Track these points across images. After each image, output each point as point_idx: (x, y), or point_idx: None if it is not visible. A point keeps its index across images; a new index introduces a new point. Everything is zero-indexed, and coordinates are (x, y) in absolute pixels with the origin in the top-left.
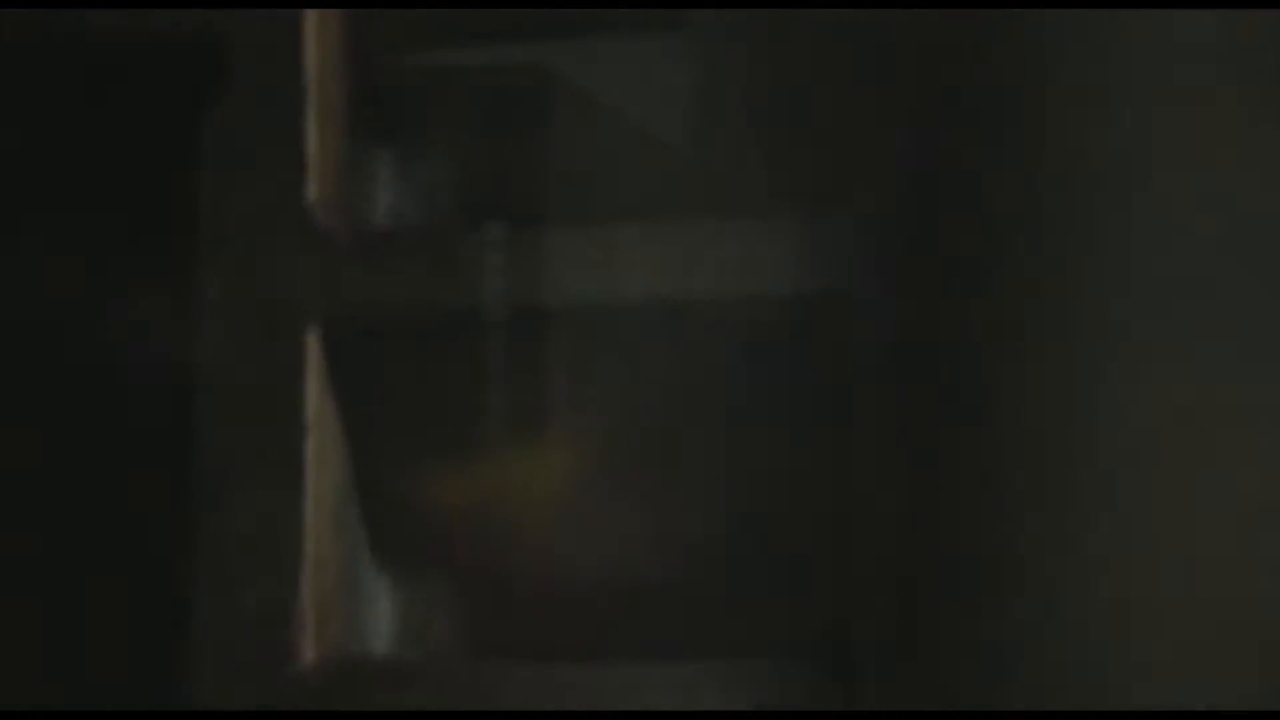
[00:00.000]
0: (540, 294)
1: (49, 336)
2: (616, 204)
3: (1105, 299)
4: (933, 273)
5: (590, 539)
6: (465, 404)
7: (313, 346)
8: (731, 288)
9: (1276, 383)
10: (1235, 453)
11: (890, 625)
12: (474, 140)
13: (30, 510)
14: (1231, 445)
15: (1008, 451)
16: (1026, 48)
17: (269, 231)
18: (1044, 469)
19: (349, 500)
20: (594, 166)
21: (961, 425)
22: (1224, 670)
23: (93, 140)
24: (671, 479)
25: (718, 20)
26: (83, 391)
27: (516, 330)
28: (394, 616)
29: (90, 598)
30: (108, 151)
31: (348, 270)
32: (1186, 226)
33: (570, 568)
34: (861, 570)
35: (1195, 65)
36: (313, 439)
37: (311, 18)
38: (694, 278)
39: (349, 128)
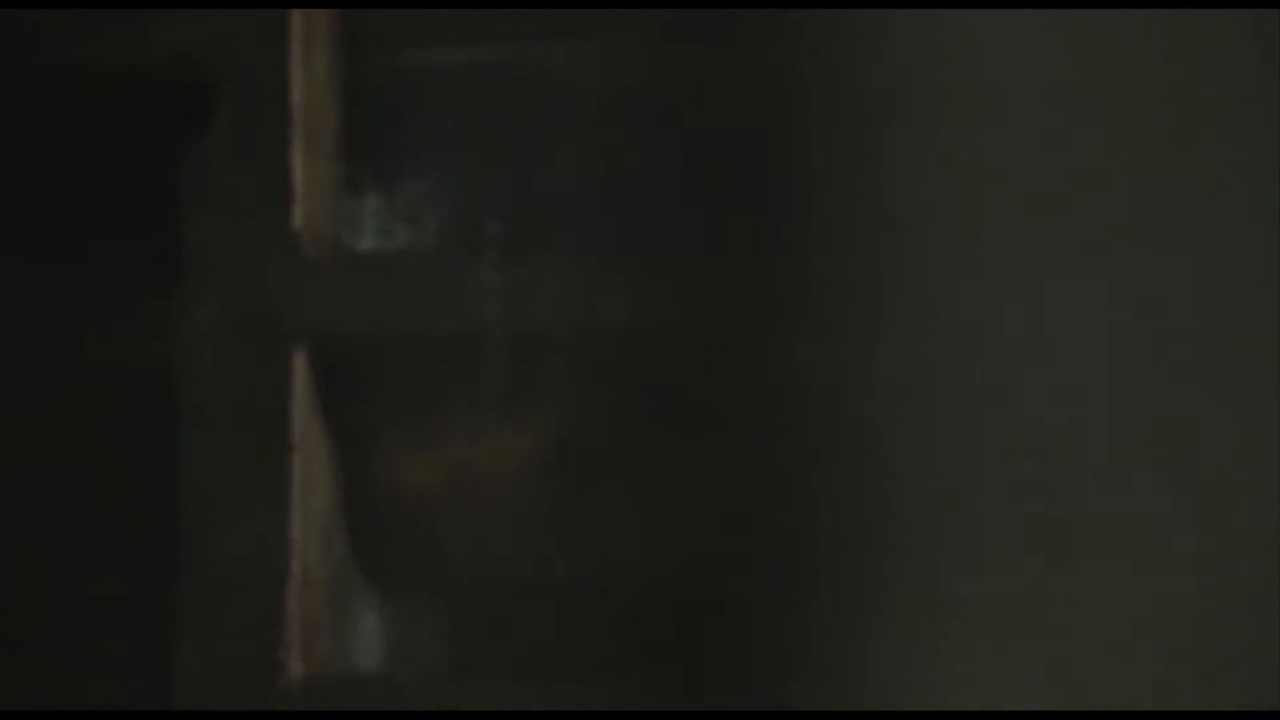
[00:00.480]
0: (529, 318)
1: (32, 362)
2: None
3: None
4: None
5: (577, 553)
6: (453, 424)
7: (299, 368)
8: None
9: (1112, 384)
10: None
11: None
12: (463, 167)
13: (11, 534)
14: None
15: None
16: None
17: (256, 256)
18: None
19: (337, 519)
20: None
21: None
22: (1056, 670)
23: (77, 168)
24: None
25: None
26: (68, 412)
27: (506, 352)
28: (383, 635)
29: (74, 615)
30: (92, 179)
31: (334, 293)
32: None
33: (557, 583)
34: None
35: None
36: (299, 459)
37: (298, 43)
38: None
39: (336, 153)
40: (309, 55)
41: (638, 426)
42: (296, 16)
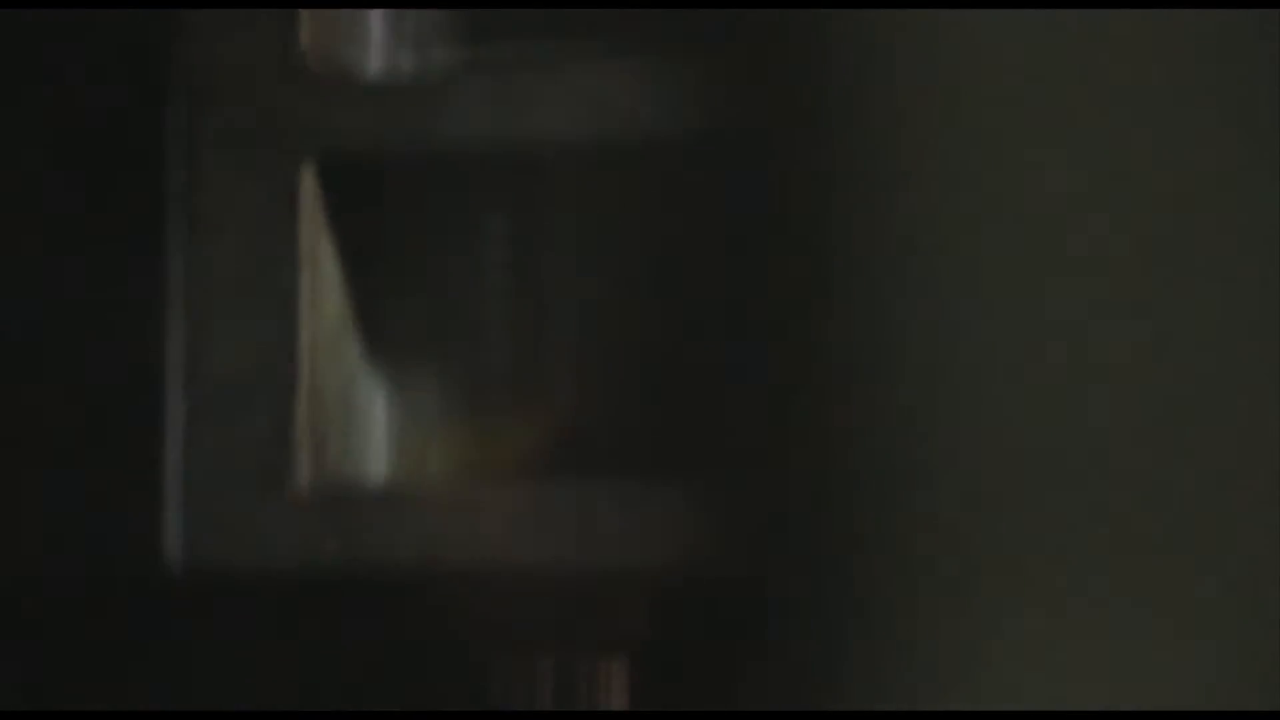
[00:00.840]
0: (528, 135)
1: (37, 170)
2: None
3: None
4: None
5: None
6: (457, 239)
7: (307, 184)
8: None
9: (1132, 371)
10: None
11: None
12: None
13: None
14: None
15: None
16: None
17: (263, 73)
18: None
19: (346, 331)
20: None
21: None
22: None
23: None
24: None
25: None
26: (76, 222)
27: (506, 169)
28: (391, 445)
29: (81, 422)
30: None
31: (341, 111)
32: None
33: (558, 396)
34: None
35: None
36: (307, 272)
37: None
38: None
39: None
40: None
41: (648, 249)
42: None
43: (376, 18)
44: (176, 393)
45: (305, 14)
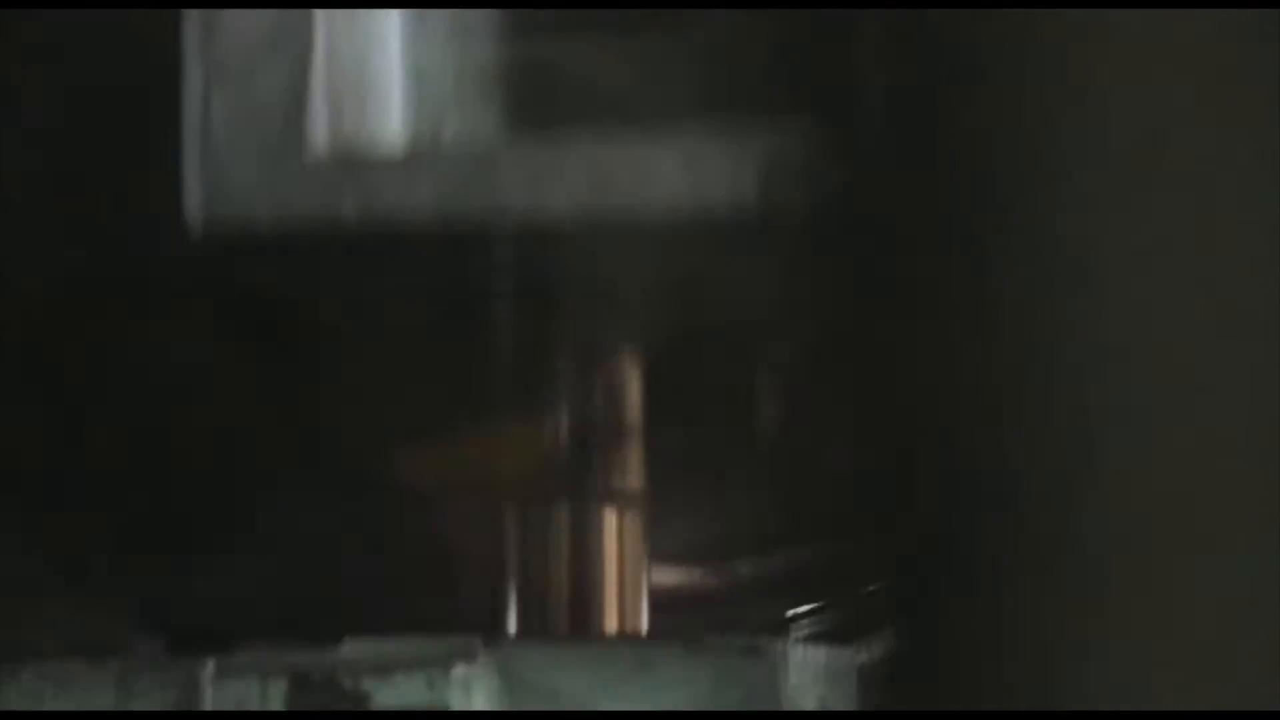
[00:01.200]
0: None
1: None
2: None
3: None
4: None
5: None
6: None
7: None
8: None
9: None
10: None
11: None
12: None
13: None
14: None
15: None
16: None
17: None
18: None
19: None
20: None
21: None
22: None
23: None
24: None
25: None
26: None
27: None
28: (407, 109)
29: (99, 90)
30: None
31: None
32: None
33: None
34: None
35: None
36: None
37: None
38: None
39: None
40: None
41: None
42: None
43: None
44: (194, 56)
45: None
